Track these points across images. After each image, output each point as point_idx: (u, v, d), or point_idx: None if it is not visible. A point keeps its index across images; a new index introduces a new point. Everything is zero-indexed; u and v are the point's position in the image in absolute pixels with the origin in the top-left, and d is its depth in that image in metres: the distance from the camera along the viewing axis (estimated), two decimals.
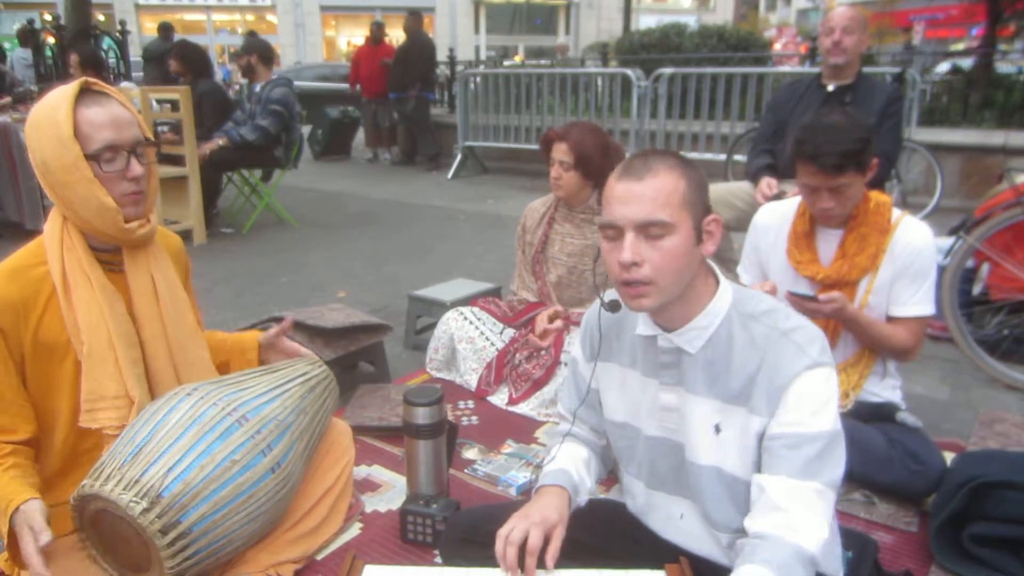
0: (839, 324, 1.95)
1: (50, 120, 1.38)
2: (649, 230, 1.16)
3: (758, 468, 1.23)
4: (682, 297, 1.22)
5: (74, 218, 1.45)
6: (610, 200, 1.20)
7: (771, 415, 1.19)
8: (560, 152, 2.53)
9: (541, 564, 1.25)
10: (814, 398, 1.17)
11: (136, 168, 1.44)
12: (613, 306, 1.31)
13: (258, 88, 5.24)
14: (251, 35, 10.29)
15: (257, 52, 5.30)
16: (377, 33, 8.87)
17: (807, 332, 1.21)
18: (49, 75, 8.44)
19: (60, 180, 1.40)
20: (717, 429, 1.25)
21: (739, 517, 1.27)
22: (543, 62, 10.58)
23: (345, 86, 9.93)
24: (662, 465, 1.36)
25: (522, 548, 1.25)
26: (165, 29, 9.82)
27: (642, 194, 1.16)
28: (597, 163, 2.52)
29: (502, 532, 1.27)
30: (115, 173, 1.42)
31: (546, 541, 1.27)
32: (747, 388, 1.21)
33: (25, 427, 1.44)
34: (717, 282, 1.27)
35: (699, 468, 1.28)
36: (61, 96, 1.40)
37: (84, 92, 1.42)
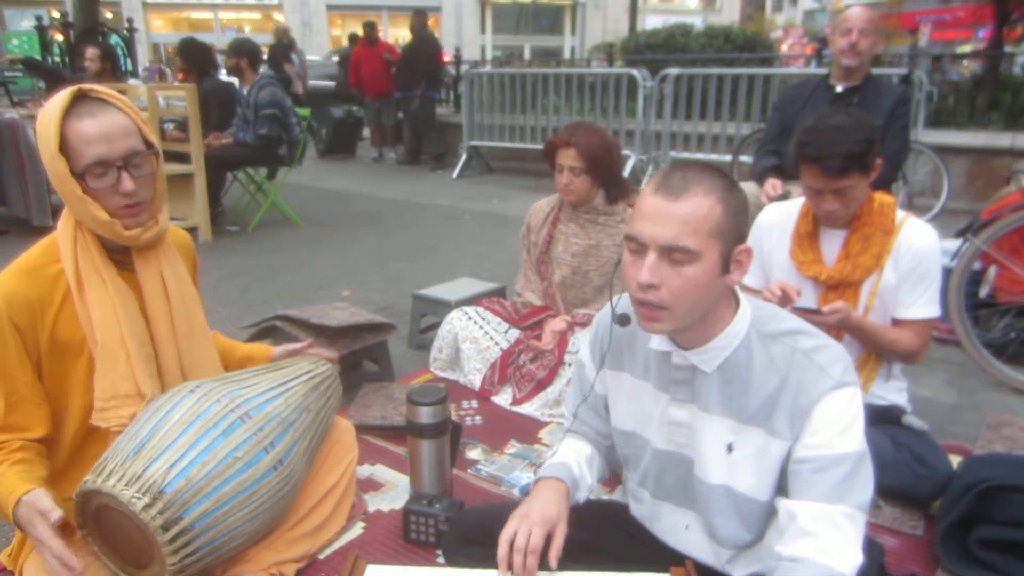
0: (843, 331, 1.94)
1: (43, 133, 1.37)
2: (673, 254, 1.12)
3: (781, 490, 1.22)
4: (701, 319, 1.19)
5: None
6: (640, 213, 1.16)
7: (794, 438, 1.17)
8: (569, 158, 2.51)
9: (544, 564, 1.25)
10: (839, 420, 1.15)
11: (127, 184, 1.39)
12: (623, 320, 1.28)
13: (245, 91, 5.23)
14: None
15: (248, 55, 5.29)
16: (371, 33, 8.84)
17: (830, 352, 1.18)
18: (59, 72, 8.46)
19: (58, 190, 1.41)
20: (729, 448, 1.24)
21: (745, 535, 1.26)
22: None
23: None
24: (670, 477, 1.35)
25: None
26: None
27: (672, 215, 1.11)
28: (605, 163, 2.52)
29: (504, 536, 1.26)
30: (106, 189, 1.39)
31: (548, 539, 1.26)
32: (766, 409, 1.20)
33: (40, 425, 1.44)
34: (738, 303, 1.24)
35: (708, 486, 1.27)
36: (53, 107, 1.37)
37: (79, 100, 1.38)
